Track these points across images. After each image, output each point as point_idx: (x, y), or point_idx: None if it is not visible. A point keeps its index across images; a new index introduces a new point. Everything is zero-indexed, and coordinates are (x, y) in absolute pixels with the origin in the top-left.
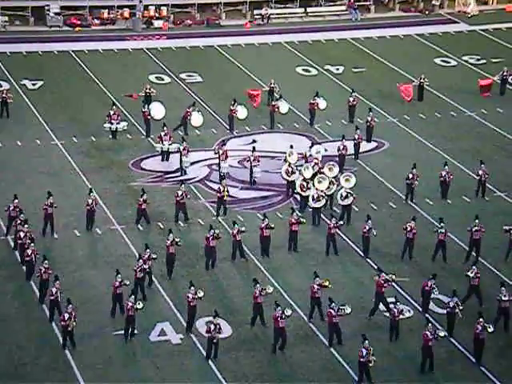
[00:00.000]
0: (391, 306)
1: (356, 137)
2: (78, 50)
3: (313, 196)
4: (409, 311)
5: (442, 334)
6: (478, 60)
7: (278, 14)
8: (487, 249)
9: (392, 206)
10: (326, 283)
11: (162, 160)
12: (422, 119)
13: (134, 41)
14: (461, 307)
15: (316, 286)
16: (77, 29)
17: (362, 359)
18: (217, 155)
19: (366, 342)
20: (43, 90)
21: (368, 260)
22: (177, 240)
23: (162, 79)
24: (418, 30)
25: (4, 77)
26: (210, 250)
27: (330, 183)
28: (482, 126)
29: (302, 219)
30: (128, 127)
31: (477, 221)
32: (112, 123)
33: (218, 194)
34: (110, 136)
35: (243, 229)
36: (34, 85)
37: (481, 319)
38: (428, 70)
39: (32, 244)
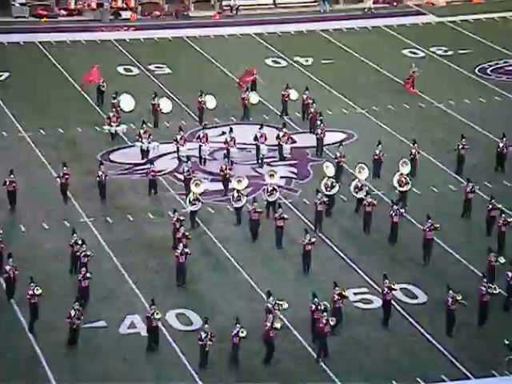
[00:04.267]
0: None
1: (319, 131)
2: (44, 41)
3: (233, 195)
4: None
5: (278, 325)
6: (446, 51)
7: (246, 5)
8: (456, 241)
9: (362, 198)
10: (345, 293)
11: (142, 158)
12: (390, 110)
13: (101, 32)
14: (459, 297)
15: (336, 296)
16: (43, 20)
17: (200, 342)
18: (198, 140)
19: (206, 325)
20: (9, 81)
21: (321, 236)
22: (186, 250)
23: (131, 71)
24: (386, 22)
25: None
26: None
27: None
28: (449, 117)
29: (284, 215)
30: (127, 128)
31: (430, 220)
32: (111, 125)
33: (222, 173)
34: (110, 138)
35: (182, 218)
36: (0, 76)
37: (324, 314)
38: (396, 61)
39: None
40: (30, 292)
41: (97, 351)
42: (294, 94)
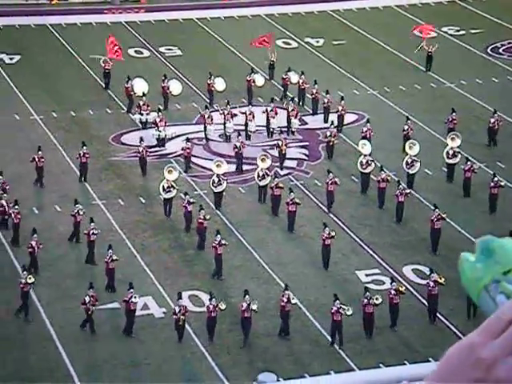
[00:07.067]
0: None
1: (340, 108)
2: (55, 24)
3: (258, 173)
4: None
5: (254, 306)
6: (458, 31)
7: None
8: (465, 220)
9: (372, 178)
10: (402, 289)
11: (158, 146)
12: (401, 91)
13: (112, 14)
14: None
15: (393, 292)
16: (53, 2)
17: (174, 316)
18: (222, 115)
19: (180, 300)
20: (21, 64)
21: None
22: (224, 242)
23: (142, 53)
24: (397, 1)
25: None
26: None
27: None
28: (461, 98)
29: (296, 200)
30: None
31: (437, 210)
32: (142, 114)
33: (278, 149)
34: (140, 127)
35: (192, 200)
36: (11, 59)
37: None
38: (407, 41)
39: (5, 195)
40: (23, 281)
41: (110, 333)
42: (294, 78)
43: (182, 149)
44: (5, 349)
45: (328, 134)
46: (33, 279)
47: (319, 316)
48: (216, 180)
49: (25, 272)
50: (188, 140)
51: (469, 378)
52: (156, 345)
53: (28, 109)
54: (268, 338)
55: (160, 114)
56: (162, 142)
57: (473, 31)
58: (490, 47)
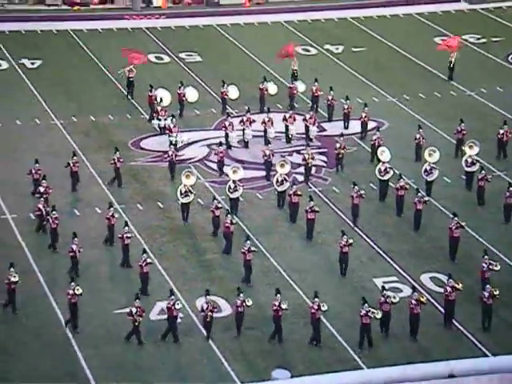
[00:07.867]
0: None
1: (363, 115)
2: (77, 30)
3: (277, 179)
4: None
5: (284, 305)
6: (479, 39)
7: None
8: (491, 233)
9: (391, 186)
10: (423, 299)
11: (176, 150)
12: (421, 99)
13: (133, 20)
14: (496, 292)
15: (414, 302)
16: (75, 8)
17: (201, 313)
18: (241, 124)
19: (208, 296)
20: (42, 69)
21: (358, 231)
22: (253, 248)
23: (162, 59)
24: (418, 9)
25: (3, 56)
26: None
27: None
28: (482, 106)
29: (316, 208)
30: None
31: (456, 218)
32: (160, 119)
33: (304, 162)
34: (158, 132)
35: (220, 205)
36: (32, 64)
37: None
38: (428, 49)
39: (42, 199)
40: (71, 291)
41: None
42: (301, 87)
43: (215, 153)
44: (25, 351)
45: (338, 145)
46: (81, 290)
47: (336, 323)
48: (232, 186)
49: (72, 283)
50: (221, 144)
51: None
52: (172, 349)
53: (48, 113)
54: (285, 343)
55: (174, 120)
56: (174, 147)
57: (493, 39)
58: (511, 55)
